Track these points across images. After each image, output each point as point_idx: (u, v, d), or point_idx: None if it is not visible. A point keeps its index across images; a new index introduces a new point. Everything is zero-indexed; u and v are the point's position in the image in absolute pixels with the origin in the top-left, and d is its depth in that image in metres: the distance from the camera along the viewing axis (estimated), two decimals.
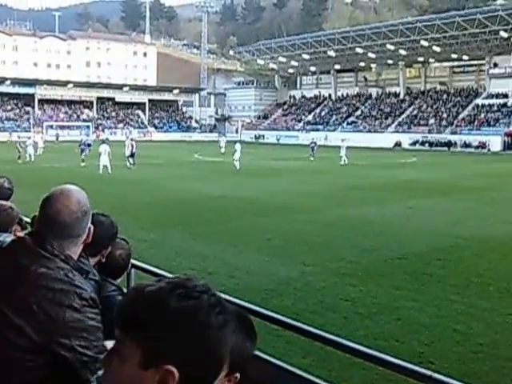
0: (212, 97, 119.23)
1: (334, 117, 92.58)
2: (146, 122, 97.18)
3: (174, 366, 1.12)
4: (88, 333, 2.01)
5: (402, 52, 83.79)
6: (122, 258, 3.61)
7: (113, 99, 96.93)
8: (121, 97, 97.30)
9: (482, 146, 69.10)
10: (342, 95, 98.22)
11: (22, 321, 1.93)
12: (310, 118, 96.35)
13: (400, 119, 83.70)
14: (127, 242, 3.72)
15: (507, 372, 6.52)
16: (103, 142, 34.89)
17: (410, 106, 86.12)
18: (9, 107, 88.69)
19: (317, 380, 3.21)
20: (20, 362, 1.92)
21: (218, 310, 1.20)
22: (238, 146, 36.25)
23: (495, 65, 79.58)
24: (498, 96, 76.52)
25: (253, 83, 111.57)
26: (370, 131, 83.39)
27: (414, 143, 75.42)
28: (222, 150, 51.34)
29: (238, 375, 1.81)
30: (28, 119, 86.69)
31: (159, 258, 11.54)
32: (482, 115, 75.39)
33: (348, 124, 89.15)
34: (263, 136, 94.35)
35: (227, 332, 1.20)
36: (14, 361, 1.91)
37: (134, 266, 4.13)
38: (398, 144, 74.46)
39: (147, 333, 1.14)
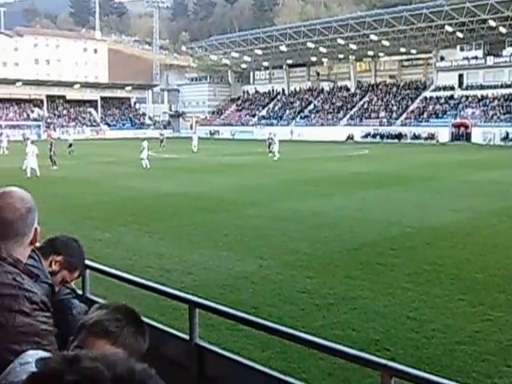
0: (165, 93, 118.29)
1: (288, 111, 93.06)
2: (98, 120, 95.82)
3: None
4: (40, 337, 1.96)
5: (353, 46, 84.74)
6: None
7: (64, 97, 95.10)
8: (72, 95, 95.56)
9: (431, 137, 70.68)
10: (295, 90, 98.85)
11: None
12: (263, 112, 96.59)
13: (352, 112, 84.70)
14: (78, 243, 3.53)
15: (458, 355, 6.73)
16: (30, 142, 32.03)
17: (361, 100, 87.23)
18: None
19: (276, 373, 3.25)
20: None
21: None
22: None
23: (442, 58, 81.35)
24: (445, 88, 78.28)
25: (206, 79, 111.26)
26: (322, 125, 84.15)
27: (366, 136, 76.53)
28: (195, 149, 49.47)
29: None
30: None
31: (115, 257, 11.47)
32: (431, 107, 77.02)
33: (301, 118, 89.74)
34: (218, 132, 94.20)
35: None
36: None
37: (89, 267, 4.08)
38: (350, 137, 75.33)
39: None
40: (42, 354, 1.86)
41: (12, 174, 27.81)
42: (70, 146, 45.61)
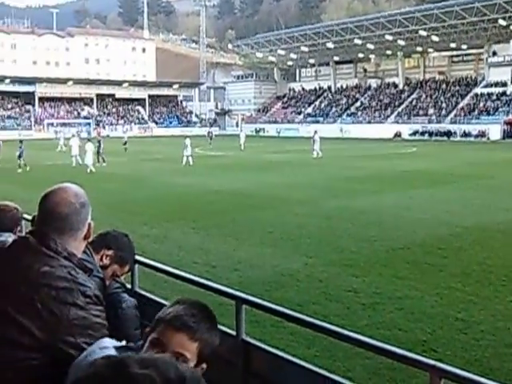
0: (212, 91, 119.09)
1: (334, 109, 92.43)
2: (146, 118, 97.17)
3: None
4: (93, 330, 2.01)
5: (401, 42, 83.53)
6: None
7: (113, 96, 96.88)
8: (120, 93, 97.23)
9: (482, 134, 69.00)
10: (342, 87, 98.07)
11: (26, 320, 1.93)
12: (309, 110, 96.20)
13: (399, 109, 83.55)
14: (129, 239, 3.63)
15: (508, 358, 6.58)
16: (77, 138, 34.70)
17: (409, 97, 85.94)
18: (9, 106, 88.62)
19: (321, 371, 3.24)
20: (24, 361, 1.92)
21: None
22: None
23: (494, 53, 79.33)
24: (496, 84, 76.31)
25: (252, 76, 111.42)
26: (369, 122, 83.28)
27: (414, 133, 75.34)
28: (242, 147, 49.43)
29: (204, 366, 1.97)
30: (29, 117, 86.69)
31: (162, 252, 11.62)
32: (482, 104, 75.23)
33: (348, 115, 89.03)
34: (263, 129, 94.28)
35: None
36: (19, 359, 1.92)
37: (138, 261, 4.15)
38: (397, 134, 74.37)
39: None
40: (117, 342, 1.98)
41: (66, 169, 28.50)
42: (125, 143, 46.68)
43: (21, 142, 32.37)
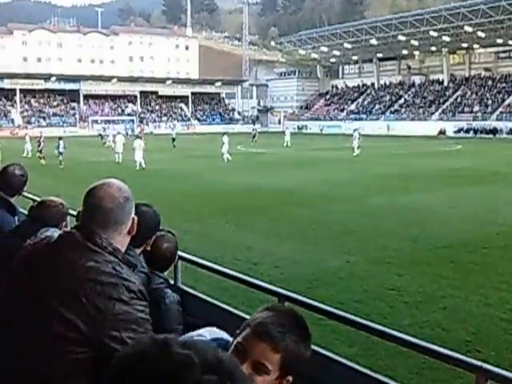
0: (254, 88, 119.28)
1: (377, 106, 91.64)
2: (189, 115, 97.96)
3: None
4: (137, 325, 2.02)
5: (446, 38, 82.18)
6: (168, 252, 3.67)
7: (156, 93, 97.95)
8: (164, 90, 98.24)
9: None
10: (385, 84, 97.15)
11: (71, 314, 1.96)
12: (352, 107, 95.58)
13: (444, 107, 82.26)
14: (173, 235, 3.79)
15: None
16: (137, 136, 35.08)
17: (454, 93, 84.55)
18: (55, 103, 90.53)
19: (363, 369, 3.23)
20: (70, 355, 1.94)
21: None
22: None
23: None
24: None
25: (295, 73, 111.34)
26: (413, 119, 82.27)
27: (459, 131, 74.10)
28: (287, 144, 49.34)
29: (290, 378, 1.87)
30: (74, 114, 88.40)
31: (204, 249, 11.69)
32: None
33: (391, 113, 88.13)
34: (306, 126, 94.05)
35: None
36: (65, 353, 1.94)
37: (181, 257, 4.20)
38: (442, 132, 73.24)
39: None
40: (215, 333, 2.00)
41: (110, 166, 28.95)
42: (174, 140, 47.22)
43: (60, 138, 33.10)
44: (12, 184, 4.45)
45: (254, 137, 56.62)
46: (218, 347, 1.17)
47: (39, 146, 34.06)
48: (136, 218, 2.30)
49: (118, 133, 39.63)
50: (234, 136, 51.05)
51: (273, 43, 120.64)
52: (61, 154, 32.01)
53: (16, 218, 4.47)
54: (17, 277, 2.18)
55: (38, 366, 1.97)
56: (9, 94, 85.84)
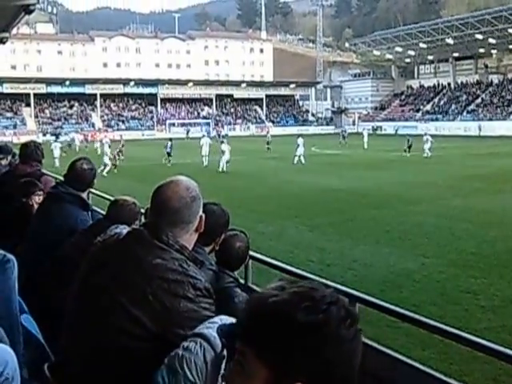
0: (328, 90, 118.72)
1: (454, 106, 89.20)
2: (263, 117, 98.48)
3: (305, 381, 1.07)
4: (202, 322, 2.02)
5: None
6: (241, 251, 3.70)
7: (231, 96, 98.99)
8: (239, 93, 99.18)
9: None
10: (462, 83, 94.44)
11: (138, 310, 1.99)
12: (428, 107, 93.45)
13: None
14: (246, 235, 3.81)
15: None
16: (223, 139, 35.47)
17: None
18: (133, 107, 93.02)
19: (437, 374, 3.15)
20: (136, 351, 1.97)
21: (348, 322, 1.11)
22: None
23: None
24: None
25: (369, 74, 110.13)
26: (490, 119, 79.54)
27: None
28: (365, 146, 48.94)
29: None
30: (151, 118, 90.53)
31: (277, 249, 11.74)
32: None
33: (468, 113, 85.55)
34: (380, 127, 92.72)
35: (358, 343, 1.13)
36: (130, 349, 1.97)
37: (252, 257, 4.22)
38: None
39: (274, 350, 1.08)
40: (225, 319, 2.02)
41: (195, 168, 29.48)
42: (268, 143, 47.30)
43: (170, 140, 34.14)
44: (82, 179, 4.51)
45: (343, 138, 55.79)
46: (228, 331, 1.20)
47: (119, 149, 34.85)
48: (204, 215, 2.30)
49: (203, 135, 39.84)
50: (309, 137, 50.89)
51: (347, 44, 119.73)
52: (169, 154, 33.54)
53: (89, 213, 4.58)
54: (86, 272, 2.24)
55: (101, 360, 2.02)
56: (90, 99, 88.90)
